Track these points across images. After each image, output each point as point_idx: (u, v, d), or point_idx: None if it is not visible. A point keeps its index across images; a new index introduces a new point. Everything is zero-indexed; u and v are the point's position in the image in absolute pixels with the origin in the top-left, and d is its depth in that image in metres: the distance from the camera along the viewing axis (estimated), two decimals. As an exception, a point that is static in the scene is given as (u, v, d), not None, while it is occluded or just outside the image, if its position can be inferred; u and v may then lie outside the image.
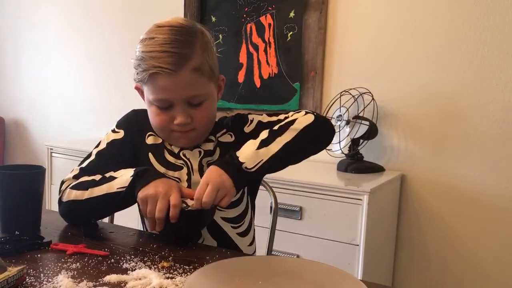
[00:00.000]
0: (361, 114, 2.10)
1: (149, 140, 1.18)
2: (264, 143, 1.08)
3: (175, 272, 0.91)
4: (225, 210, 1.15)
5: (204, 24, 2.64)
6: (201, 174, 1.13)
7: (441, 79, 2.09)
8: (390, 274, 2.22)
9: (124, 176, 1.08)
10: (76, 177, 1.18)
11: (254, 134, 1.13)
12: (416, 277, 2.20)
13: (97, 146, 1.22)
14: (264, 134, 1.10)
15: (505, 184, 2.01)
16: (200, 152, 1.16)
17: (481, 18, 2.00)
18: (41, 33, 3.29)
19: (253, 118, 1.21)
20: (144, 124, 1.18)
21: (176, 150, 1.17)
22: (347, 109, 2.12)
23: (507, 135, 1.99)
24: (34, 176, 1.11)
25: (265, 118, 1.21)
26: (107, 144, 1.20)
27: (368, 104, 2.11)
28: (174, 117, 1.10)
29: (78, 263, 0.93)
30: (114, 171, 1.12)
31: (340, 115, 2.13)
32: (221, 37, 2.59)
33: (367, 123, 2.08)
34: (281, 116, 1.18)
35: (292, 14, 2.39)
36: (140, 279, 0.87)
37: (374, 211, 1.84)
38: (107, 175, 1.12)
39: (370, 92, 2.13)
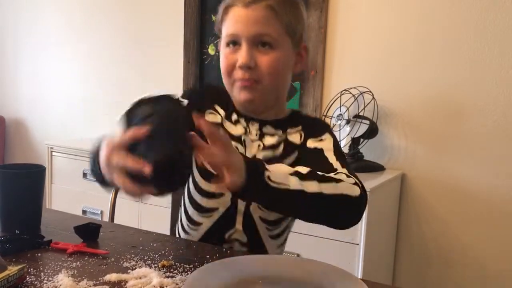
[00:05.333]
0: (361, 113, 2.10)
1: (209, 117, 1.10)
2: (298, 175, 0.88)
3: (175, 271, 0.91)
4: (266, 211, 1.07)
5: (204, 23, 2.64)
6: None
7: (442, 78, 2.09)
8: (390, 273, 2.22)
9: None
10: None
11: (308, 155, 1.04)
12: (416, 276, 2.20)
13: None
14: (303, 169, 0.90)
15: (505, 183, 2.00)
16: (259, 145, 1.08)
17: (481, 18, 2.00)
18: (42, 33, 3.29)
19: (324, 139, 1.07)
20: (211, 98, 1.12)
21: (235, 132, 1.08)
22: (348, 108, 2.12)
23: (507, 134, 1.99)
24: (35, 175, 1.11)
25: (328, 153, 1.04)
26: None
27: (369, 103, 2.11)
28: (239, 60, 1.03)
29: (78, 262, 0.93)
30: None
31: (341, 114, 2.13)
32: (221, 36, 2.59)
33: (368, 122, 2.08)
34: (338, 166, 1.00)
35: (292, 13, 2.38)
36: (140, 278, 0.87)
37: (374, 210, 1.84)
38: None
39: (370, 91, 2.13)
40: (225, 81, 1.08)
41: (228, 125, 1.09)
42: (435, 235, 2.14)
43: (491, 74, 2.00)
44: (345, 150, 2.14)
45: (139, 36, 2.88)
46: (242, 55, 1.02)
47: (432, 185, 2.14)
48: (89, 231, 1.08)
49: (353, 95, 2.12)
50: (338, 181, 0.91)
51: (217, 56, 2.60)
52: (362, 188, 0.94)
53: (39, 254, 0.97)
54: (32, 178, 1.10)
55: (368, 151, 2.17)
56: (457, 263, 2.11)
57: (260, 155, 1.07)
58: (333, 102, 2.19)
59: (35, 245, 1.00)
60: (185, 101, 0.96)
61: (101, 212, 2.42)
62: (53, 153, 2.60)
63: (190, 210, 1.14)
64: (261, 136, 1.09)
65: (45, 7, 3.25)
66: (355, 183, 0.93)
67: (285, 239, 1.19)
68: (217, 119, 1.10)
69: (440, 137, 2.11)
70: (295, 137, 1.10)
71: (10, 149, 3.53)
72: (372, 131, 2.10)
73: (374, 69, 2.22)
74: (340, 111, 2.14)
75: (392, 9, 2.17)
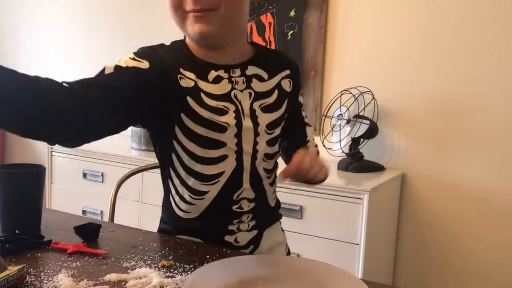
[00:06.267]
0: (361, 113, 2.10)
1: (183, 83, 0.96)
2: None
3: (175, 271, 0.91)
4: (268, 161, 1.07)
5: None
6: (254, 120, 1.00)
7: (442, 78, 2.09)
8: (391, 273, 2.22)
9: None
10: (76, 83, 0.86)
11: (295, 110, 1.13)
12: (416, 276, 2.20)
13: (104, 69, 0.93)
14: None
15: (505, 183, 2.00)
16: (250, 93, 1.00)
17: (482, 18, 2.00)
18: (42, 33, 3.29)
19: (301, 99, 1.19)
20: (171, 61, 0.98)
21: (217, 91, 0.98)
22: (348, 108, 2.12)
23: (507, 134, 1.99)
24: (34, 175, 1.11)
25: (302, 112, 1.20)
26: (128, 67, 0.92)
27: (369, 103, 2.11)
28: None
29: (78, 262, 0.93)
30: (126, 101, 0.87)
31: (341, 114, 2.13)
32: (221, 36, 2.59)
33: (368, 122, 2.08)
34: (308, 134, 1.20)
35: (292, 13, 2.39)
36: (140, 278, 0.87)
37: (374, 210, 1.84)
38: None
39: (370, 91, 2.13)
40: (174, 16, 0.98)
41: (206, 86, 0.97)
42: (435, 235, 2.14)
43: (491, 74, 2.00)
44: (345, 150, 2.14)
45: (139, 36, 2.88)
46: None
47: (432, 185, 2.14)
48: (89, 231, 1.08)
49: (353, 95, 2.12)
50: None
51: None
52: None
53: (39, 254, 0.97)
54: (32, 178, 1.10)
55: (368, 151, 2.17)
56: (457, 263, 2.11)
57: (256, 105, 1.01)
58: (333, 102, 2.19)
59: (35, 245, 1.00)
60: (146, 63, 0.91)
61: (101, 212, 2.42)
62: (53, 153, 2.60)
63: (191, 181, 1.04)
64: (248, 81, 1.01)
65: (45, 7, 3.25)
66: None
67: (276, 184, 1.17)
68: (190, 83, 0.97)
69: (440, 137, 2.11)
70: (285, 84, 1.08)
71: (10, 149, 3.53)
72: (372, 131, 2.10)
73: (374, 69, 2.22)
74: (340, 111, 2.14)
75: (392, 9, 2.17)
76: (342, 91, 2.17)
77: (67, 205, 2.44)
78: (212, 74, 0.99)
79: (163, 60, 0.97)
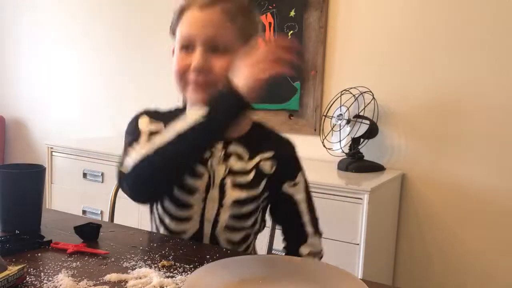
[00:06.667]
0: (361, 113, 2.10)
1: None
2: None
3: (176, 271, 0.91)
4: (231, 233, 1.10)
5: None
6: (221, 193, 1.06)
7: (442, 78, 2.09)
8: (391, 273, 2.22)
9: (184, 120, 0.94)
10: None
11: (285, 200, 1.11)
12: (416, 276, 2.20)
13: (135, 140, 1.03)
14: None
15: (505, 183, 2.00)
16: (225, 169, 1.07)
17: (482, 18, 2.00)
18: (42, 32, 3.29)
19: (298, 183, 1.14)
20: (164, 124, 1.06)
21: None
22: (348, 108, 2.12)
23: (507, 134, 1.99)
24: (35, 175, 1.11)
25: (302, 206, 1.14)
26: (150, 131, 1.04)
27: (369, 103, 2.11)
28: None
29: (78, 262, 0.93)
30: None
31: (341, 114, 2.13)
32: (221, 36, 2.59)
33: (368, 122, 2.08)
34: (308, 228, 1.14)
35: (292, 13, 2.39)
36: (140, 278, 0.87)
37: (374, 210, 1.84)
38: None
39: (370, 91, 2.13)
40: (177, 84, 1.06)
41: None
42: (435, 235, 2.14)
43: (491, 74, 2.00)
44: (345, 150, 2.14)
45: (139, 37, 2.88)
46: (196, 58, 1.00)
47: (432, 185, 2.14)
48: (89, 231, 1.08)
49: (353, 95, 2.12)
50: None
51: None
52: (320, 240, 1.18)
53: (39, 254, 0.97)
54: (32, 178, 1.10)
55: (368, 151, 2.17)
56: (457, 263, 2.11)
57: (228, 180, 1.06)
58: (333, 102, 2.19)
59: (35, 245, 1.00)
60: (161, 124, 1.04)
61: (101, 212, 2.42)
62: (53, 153, 2.60)
63: (161, 230, 1.15)
64: (226, 157, 1.07)
65: (46, 7, 3.25)
66: (317, 252, 1.17)
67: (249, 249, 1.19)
68: None
69: (440, 137, 2.11)
70: (266, 165, 1.10)
71: (10, 149, 3.53)
72: (372, 131, 2.10)
73: (374, 69, 2.22)
74: (340, 111, 2.14)
75: (392, 10, 2.17)
76: (342, 91, 2.17)
77: (67, 205, 2.44)
78: None
79: (168, 122, 1.04)
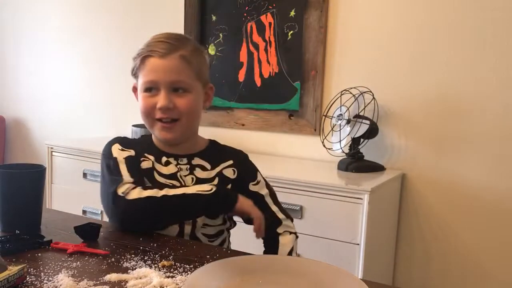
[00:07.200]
0: (361, 113, 2.10)
1: (143, 164, 1.23)
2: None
3: (176, 271, 0.91)
4: (208, 228, 1.24)
5: (204, 23, 2.64)
6: None
7: (442, 78, 2.09)
8: (391, 273, 2.22)
9: (200, 187, 1.16)
10: (135, 183, 1.16)
11: (253, 197, 1.24)
12: (416, 276, 2.20)
13: (109, 158, 1.22)
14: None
15: (505, 183, 2.00)
16: (192, 178, 1.23)
17: (481, 17, 2.00)
18: (42, 32, 3.29)
19: (259, 181, 1.30)
20: (141, 149, 1.25)
21: (166, 171, 1.22)
22: (348, 108, 2.12)
23: (507, 134, 1.99)
24: (35, 175, 1.11)
25: (267, 198, 1.30)
26: (125, 158, 1.21)
27: (369, 103, 2.11)
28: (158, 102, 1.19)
29: (78, 262, 0.93)
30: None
31: (341, 114, 2.13)
32: (221, 36, 2.59)
33: (368, 122, 2.08)
34: (279, 215, 1.29)
35: (292, 13, 2.39)
36: (140, 278, 0.87)
37: (374, 210, 1.84)
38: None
39: (370, 91, 2.13)
40: (144, 120, 1.23)
41: (159, 167, 1.23)
42: (435, 235, 2.14)
43: (491, 74, 2.00)
44: (346, 150, 2.14)
45: (139, 36, 2.87)
46: (161, 99, 1.17)
47: (433, 185, 2.14)
48: (89, 231, 1.08)
49: (353, 95, 2.12)
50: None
51: (217, 56, 2.60)
52: (293, 226, 1.32)
53: (39, 254, 0.97)
54: (32, 178, 1.10)
55: (368, 151, 2.17)
56: (457, 263, 2.11)
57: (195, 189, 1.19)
58: (333, 102, 2.19)
59: (35, 245, 1.00)
60: (133, 152, 1.22)
61: (101, 212, 2.42)
62: (53, 153, 2.60)
63: None
64: (192, 169, 1.24)
65: (45, 7, 3.25)
66: (295, 234, 1.31)
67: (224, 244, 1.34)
68: (148, 164, 1.23)
69: (441, 137, 2.11)
70: (228, 172, 1.27)
71: (10, 149, 3.53)
72: (372, 131, 2.10)
73: (374, 69, 2.22)
74: (340, 111, 2.14)
75: (393, 9, 2.17)
76: (342, 91, 2.17)
77: (67, 205, 2.44)
78: (164, 159, 1.24)
79: (136, 148, 1.25)
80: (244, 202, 1.16)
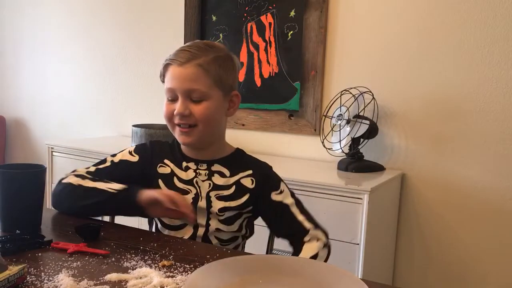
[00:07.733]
0: (361, 113, 2.10)
1: (161, 170, 1.28)
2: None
3: (176, 271, 0.91)
4: (221, 232, 1.25)
5: (204, 23, 2.64)
6: (208, 204, 1.24)
7: (442, 78, 2.09)
8: (391, 273, 2.22)
9: (112, 185, 1.21)
10: (88, 173, 1.28)
11: (275, 208, 1.26)
12: (416, 276, 2.20)
13: (113, 156, 1.33)
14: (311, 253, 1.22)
15: (505, 183, 2.01)
16: (209, 184, 1.25)
17: (481, 17, 2.00)
18: (42, 32, 3.29)
19: (283, 190, 1.29)
20: (159, 154, 1.31)
21: (184, 177, 1.27)
22: (348, 108, 2.13)
23: (507, 134, 1.99)
24: (35, 175, 1.11)
25: (293, 208, 1.27)
26: (121, 160, 1.31)
27: (369, 103, 2.11)
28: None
29: (78, 262, 0.93)
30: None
31: (341, 114, 2.13)
32: (221, 36, 2.59)
33: (368, 122, 2.08)
34: (306, 224, 1.25)
35: (292, 13, 2.39)
36: (140, 278, 0.87)
37: (374, 210, 1.84)
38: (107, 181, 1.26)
39: (370, 91, 2.13)
40: (167, 124, 1.28)
41: (179, 172, 1.27)
42: (435, 234, 2.15)
43: (491, 74, 2.00)
44: (345, 150, 2.14)
45: (139, 37, 2.89)
46: (178, 106, 1.21)
47: (432, 185, 2.14)
48: (89, 231, 1.08)
49: (353, 95, 2.12)
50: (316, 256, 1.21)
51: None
52: (326, 236, 1.27)
53: (39, 254, 0.97)
54: (32, 178, 1.10)
55: (368, 151, 2.17)
56: (457, 263, 2.11)
57: (213, 194, 1.24)
58: (333, 102, 2.20)
59: (36, 245, 1.00)
60: (137, 157, 1.30)
61: (101, 212, 2.42)
62: (54, 153, 2.60)
63: (166, 232, 1.28)
64: (211, 174, 1.26)
65: (45, 7, 3.25)
66: (325, 243, 1.25)
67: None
68: (167, 170, 1.28)
69: (440, 137, 2.11)
70: (246, 181, 1.28)
71: (10, 149, 3.53)
72: (372, 131, 2.10)
73: (374, 69, 2.22)
74: (340, 111, 2.14)
75: (392, 10, 2.17)
76: (342, 91, 2.17)
77: (67, 205, 2.43)
78: (184, 164, 1.28)
79: (154, 152, 1.32)
80: (146, 192, 1.16)
